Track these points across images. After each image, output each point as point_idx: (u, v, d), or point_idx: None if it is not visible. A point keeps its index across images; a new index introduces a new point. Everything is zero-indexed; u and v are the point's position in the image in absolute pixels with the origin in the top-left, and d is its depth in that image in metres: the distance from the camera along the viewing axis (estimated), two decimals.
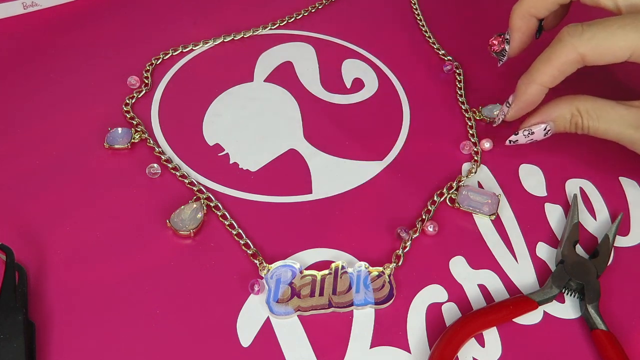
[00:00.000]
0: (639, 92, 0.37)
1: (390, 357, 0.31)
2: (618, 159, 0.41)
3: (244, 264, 0.34)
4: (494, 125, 0.40)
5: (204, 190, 0.37)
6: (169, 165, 0.39)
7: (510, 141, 0.38)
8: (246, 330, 0.32)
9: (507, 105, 0.38)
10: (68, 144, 0.40)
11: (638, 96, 0.35)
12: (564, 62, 0.34)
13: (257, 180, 0.39)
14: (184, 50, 0.47)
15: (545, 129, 0.37)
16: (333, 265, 0.34)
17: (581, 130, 0.36)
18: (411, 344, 0.32)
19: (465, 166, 0.40)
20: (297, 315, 0.32)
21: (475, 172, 0.40)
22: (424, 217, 0.37)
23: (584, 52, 0.33)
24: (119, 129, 0.40)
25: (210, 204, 0.37)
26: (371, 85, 0.46)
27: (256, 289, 0.33)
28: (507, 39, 0.39)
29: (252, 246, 0.35)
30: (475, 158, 0.40)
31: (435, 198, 0.38)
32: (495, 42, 0.41)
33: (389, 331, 0.32)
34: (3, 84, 0.43)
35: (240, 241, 0.35)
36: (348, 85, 0.46)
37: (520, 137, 0.38)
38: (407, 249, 0.35)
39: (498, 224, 0.37)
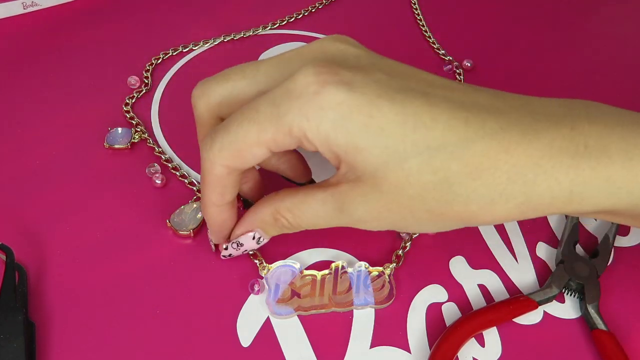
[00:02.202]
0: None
1: (390, 357, 0.31)
2: None
3: (244, 264, 0.34)
4: (222, 256, 0.34)
5: None
6: (169, 165, 0.39)
7: (223, 256, 0.33)
8: (246, 330, 0.32)
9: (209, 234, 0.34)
10: (68, 144, 0.40)
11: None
12: (218, 178, 0.29)
13: None
14: (184, 50, 0.47)
15: (254, 238, 0.32)
16: (333, 265, 0.34)
17: (293, 229, 0.31)
18: (411, 344, 0.32)
19: None
20: (297, 315, 0.32)
21: None
22: None
23: (225, 162, 0.28)
24: (119, 129, 0.40)
25: None
26: None
27: (256, 288, 0.33)
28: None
29: None
30: None
31: None
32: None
33: (389, 331, 0.32)
34: (3, 84, 0.43)
35: None
36: None
37: (232, 250, 0.33)
38: (407, 249, 0.35)
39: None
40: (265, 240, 0.32)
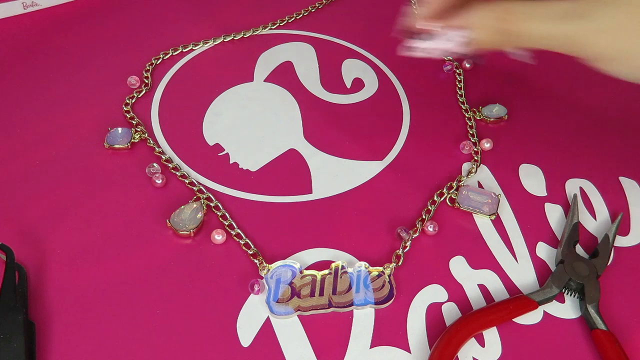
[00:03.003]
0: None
1: (390, 357, 0.31)
2: (618, 159, 0.41)
3: (244, 264, 0.34)
4: (411, 47, 0.31)
5: (204, 190, 0.37)
6: (169, 165, 0.39)
7: (412, 48, 0.30)
8: (246, 330, 0.32)
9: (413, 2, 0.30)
10: (68, 144, 0.40)
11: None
12: None
13: (257, 180, 0.39)
14: (184, 50, 0.47)
15: (462, 36, 0.29)
16: (333, 265, 0.34)
17: (513, 38, 0.29)
18: (411, 344, 0.32)
19: (465, 166, 0.40)
20: (297, 315, 0.32)
21: (475, 172, 0.40)
22: (424, 217, 0.37)
23: None
24: (119, 129, 0.40)
25: (210, 204, 0.37)
26: (371, 85, 0.46)
27: (256, 289, 0.33)
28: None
29: (252, 246, 0.35)
30: (475, 158, 0.40)
31: (435, 198, 0.38)
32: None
33: (389, 331, 0.32)
34: (3, 84, 0.43)
35: (240, 241, 0.35)
36: (348, 85, 0.46)
37: (430, 48, 0.30)
38: (407, 249, 0.35)
39: (498, 224, 0.37)
40: (467, 48, 0.29)
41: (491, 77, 0.47)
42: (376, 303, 0.33)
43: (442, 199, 0.38)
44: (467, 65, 0.47)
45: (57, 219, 0.35)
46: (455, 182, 0.39)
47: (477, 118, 0.43)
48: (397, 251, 0.35)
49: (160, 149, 0.40)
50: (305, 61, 0.47)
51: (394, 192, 0.39)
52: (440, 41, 0.30)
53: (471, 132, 0.42)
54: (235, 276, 0.34)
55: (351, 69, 0.47)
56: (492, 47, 0.30)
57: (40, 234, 0.35)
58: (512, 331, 0.32)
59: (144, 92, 0.43)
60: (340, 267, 0.34)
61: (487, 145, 0.41)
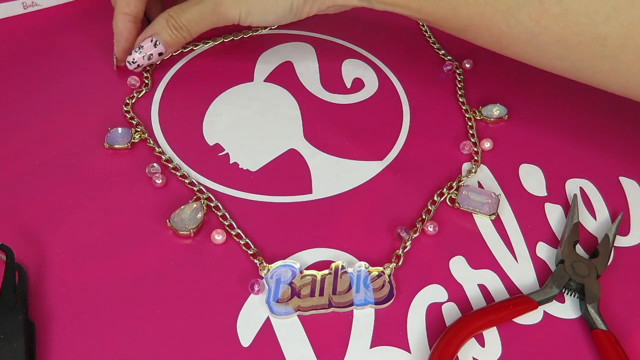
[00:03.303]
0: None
1: (390, 357, 0.31)
2: (618, 159, 0.41)
3: (244, 264, 0.34)
4: (115, 67, 0.43)
5: (204, 190, 0.37)
6: (169, 165, 0.39)
7: (129, 63, 0.42)
8: (246, 330, 0.32)
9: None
10: (68, 144, 0.40)
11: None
12: None
13: (257, 180, 0.39)
14: (184, 50, 0.47)
15: (152, 41, 0.41)
16: (333, 265, 0.34)
17: (182, 30, 0.41)
18: (411, 344, 0.32)
19: (465, 166, 0.40)
20: (297, 315, 0.32)
21: (475, 172, 0.40)
22: (424, 217, 0.37)
23: None
24: (119, 129, 0.40)
25: (210, 204, 0.37)
26: (371, 85, 0.46)
27: (256, 288, 0.33)
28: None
29: (252, 246, 0.35)
30: (476, 158, 0.40)
31: (435, 198, 0.38)
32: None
33: (389, 331, 0.32)
34: (3, 83, 0.43)
35: (240, 241, 0.35)
36: (348, 85, 0.46)
37: (136, 56, 0.42)
38: (407, 249, 0.35)
39: (498, 224, 0.37)
40: (162, 48, 0.42)
41: (491, 77, 0.47)
42: (376, 303, 0.33)
43: (442, 199, 0.38)
44: (467, 65, 0.47)
45: (57, 219, 0.35)
46: (455, 182, 0.39)
47: (477, 118, 0.43)
48: (397, 251, 0.35)
49: (160, 149, 0.40)
50: (305, 61, 0.47)
51: (394, 192, 0.38)
52: (144, 49, 0.41)
53: (471, 132, 0.42)
54: (235, 276, 0.34)
55: (351, 69, 0.47)
56: (180, 44, 0.42)
57: (40, 234, 0.35)
58: (512, 331, 0.32)
59: (144, 92, 0.43)
60: (340, 267, 0.34)
61: (487, 145, 0.41)
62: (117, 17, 0.42)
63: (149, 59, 0.42)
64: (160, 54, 0.42)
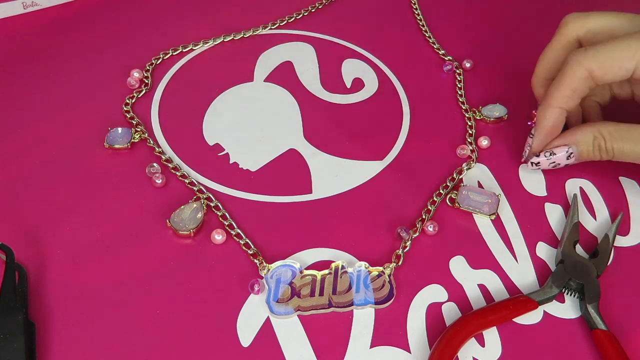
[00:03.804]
0: None
1: (390, 357, 0.31)
2: None
3: (244, 264, 0.34)
4: (523, 160, 0.39)
5: (204, 190, 0.37)
6: (169, 165, 0.39)
7: (532, 164, 0.38)
8: (246, 330, 0.32)
9: (531, 136, 0.38)
10: (68, 144, 0.40)
11: None
12: (573, 79, 0.35)
13: (257, 180, 0.39)
14: (184, 50, 0.47)
15: (567, 152, 0.37)
16: (333, 265, 0.34)
17: (605, 153, 0.36)
18: (411, 344, 0.32)
19: (466, 166, 0.40)
20: (297, 315, 0.32)
21: (470, 168, 0.40)
22: (424, 217, 0.37)
23: (591, 67, 0.34)
24: (119, 129, 0.40)
25: (210, 204, 0.37)
26: (371, 85, 0.46)
27: (256, 288, 0.33)
28: (532, 134, 0.38)
29: (252, 246, 0.35)
30: (472, 156, 0.40)
31: (435, 198, 0.38)
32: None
33: (389, 331, 0.32)
34: (3, 83, 0.43)
35: (240, 241, 0.35)
36: (348, 85, 0.46)
37: (542, 160, 0.38)
38: (407, 249, 0.35)
39: (498, 223, 0.37)
40: (574, 160, 0.37)
41: (491, 77, 0.47)
42: (376, 303, 0.33)
43: (441, 198, 0.38)
44: (467, 65, 0.47)
45: (57, 219, 0.35)
46: (455, 174, 0.39)
47: (477, 118, 0.43)
48: (397, 251, 0.35)
49: (160, 149, 0.40)
50: (305, 61, 0.47)
51: (394, 192, 0.38)
52: (556, 157, 0.37)
53: (471, 132, 0.42)
54: (235, 276, 0.34)
55: (351, 69, 0.47)
56: (590, 159, 0.37)
57: (40, 234, 0.35)
58: (512, 331, 0.32)
59: (144, 92, 0.43)
60: (340, 267, 0.34)
61: (484, 142, 0.41)
62: (550, 110, 0.36)
63: (554, 167, 0.38)
64: (565, 164, 0.38)
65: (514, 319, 0.33)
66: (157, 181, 0.37)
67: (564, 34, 0.38)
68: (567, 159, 0.37)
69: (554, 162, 0.37)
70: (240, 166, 0.39)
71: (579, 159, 0.37)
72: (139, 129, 0.40)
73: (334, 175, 0.39)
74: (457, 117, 0.44)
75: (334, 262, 0.34)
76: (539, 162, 0.38)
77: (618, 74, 0.34)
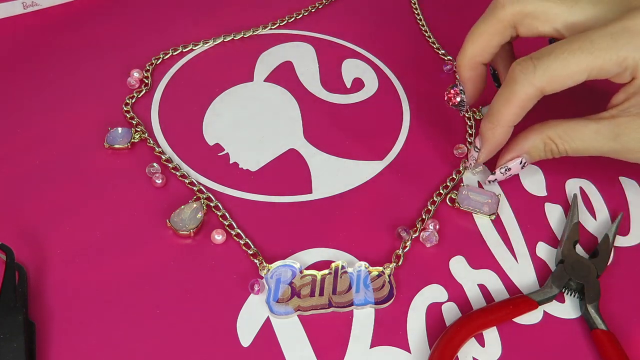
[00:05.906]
0: (603, 105, 0.36)
1: (390, 357, 0.31)
2: (618, 159, 0.41)
3: (244, 264, 0.34)
4: (468, 170, 0.39)
5: (204, 190, 0.37)
6: (169, 165, 0.39)
7: (489, 181, 0.38)
8: (246, 330, 0.32)
9: (476, 149, 0.38)
10: (68, 144, 0.40)
11: (603, 108, 0.35)
12: (524, 99, 0.33)
13: (257, 180, 0.39)
14: (184, 50, 0.47)
15: (521, 163, 0.37)
16: (333, 265, 0.34)
17: (558, 154, 0.36)
18: (411, 344, 0.32)
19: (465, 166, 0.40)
20: (297, 315, 0.32)
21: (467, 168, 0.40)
22: (424, 217, 0.37)
23: (541, 85, 0.33)
24: (119, 129, 0.40)
25: (210, 204, 0.37)
26: (371, 85, 0.46)
27: (256, 288, 0.33)
28: (462, 89, 0.39)
29: (252, 246, 0.35)
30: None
31: (435, 198, 0.38)
32: (450, 95, 0.39)
33: (389, 331, 0.32)
34: (3, 83, 0.43)
35: (240, 241, 0.35)
36: (348, 85, 0.46)
37: (499, 175, 0.38)
38: (407, 249, 0.35)
39: (498, 223, 0.37)
40: (527, 165, 0.37)
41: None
42: (376, 303, 0.33)
43: (441, 198, 0.38)
44: None
45: (57, 219, 0.35)
46: (454, 174, 0.39)
47: (477, 118, 0.43)
48: (397, 251, 0.35)
49: (160, 149, 0.40)
50: (305, 61, 0.47)
51: (394, 192, 0.39)
52: (512, 171, 0.37)
53: (471, 132, 0.42)
54: (235, 276, 0.34)
55: (351, 69, 0.47)
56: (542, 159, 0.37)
57: (40, 234, 0.35)
58: (512, 331, 0.32)
59: (144, 92, 0.43)
60: (340, 267, 0.34)
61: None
62: (498, 129, 0.35)
63: (508, 177, 0.38)
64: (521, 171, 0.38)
65: (514, 319, 0.33)
66: (157, 181, 0.37)
67: (500, 19, 0.35)
68: (522, 168, 0.37)
69: (511, 174, 0.38)
70: (240, 166, 0.39)
71: (532, 162, 0.37)
72: (139, 129, 0.40)
73: (334, 175, 0.39)
74: (457, 117, 0.44)
75: (334, 262, 0.34)
76: (495, 179, 0.38)
77: (568, 85, 0.33)
